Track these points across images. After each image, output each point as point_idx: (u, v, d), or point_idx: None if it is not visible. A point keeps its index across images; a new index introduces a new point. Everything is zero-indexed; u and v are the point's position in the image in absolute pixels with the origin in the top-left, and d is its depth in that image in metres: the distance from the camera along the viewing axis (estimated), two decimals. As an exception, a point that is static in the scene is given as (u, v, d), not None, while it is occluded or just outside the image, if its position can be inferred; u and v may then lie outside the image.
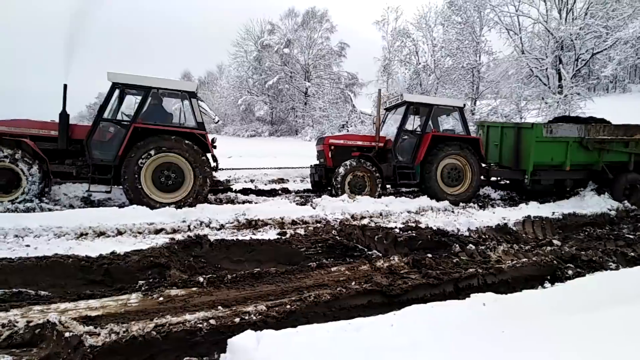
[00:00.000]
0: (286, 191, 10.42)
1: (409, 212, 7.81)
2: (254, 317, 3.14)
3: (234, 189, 10.01)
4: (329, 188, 9.71)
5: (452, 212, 8.19)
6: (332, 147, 9.62)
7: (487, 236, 6.29)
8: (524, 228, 6.94)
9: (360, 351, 2.38)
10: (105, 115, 7.65)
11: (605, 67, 23.07)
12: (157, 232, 5.80)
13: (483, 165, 10.04)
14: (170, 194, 7.59)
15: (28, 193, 7.01)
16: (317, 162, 10.39)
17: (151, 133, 7.50)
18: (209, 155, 8.02)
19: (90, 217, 5.78)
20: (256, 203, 8.24)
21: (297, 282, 4.09)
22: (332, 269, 4.47)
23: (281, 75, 38.05)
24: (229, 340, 2.46)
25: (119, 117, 7.87)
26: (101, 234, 5.48)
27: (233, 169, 13.11)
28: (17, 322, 2.98)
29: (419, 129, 9.93)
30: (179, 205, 7.30)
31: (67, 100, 7.47)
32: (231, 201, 8.69)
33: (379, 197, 8.84)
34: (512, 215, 7.63)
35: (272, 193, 10.07)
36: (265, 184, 11.76)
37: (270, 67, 38.80)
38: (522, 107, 22.97)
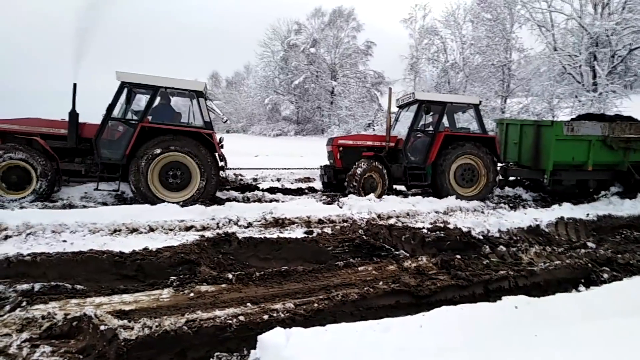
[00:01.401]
0: (312, 190, 10.45)
1: (436, 212, 7.71)
2: (282, 315, 3.17)
3: (261, 188, 10.11)
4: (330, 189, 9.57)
5: (482, 212, 8.04)
6: (341, 148, 9.50)
7: (518, 237, 6.14)
8: (556, 230, 6.75)
9: (389, 352, 2.37)
10: (115, 114, 7.75)
11: (643, 64, 22.17)
12: (188, 229, 5.91)
13: (500, 165, 9.73)
14: (177, 193, 7.68)
15: (38, 191, 7.12)
16: (327, 163, 10.26)
17: (159, 132, 7.57)
18: (217, 154, 8.04)
19: (123, 214, 5.94)
20: (283, 202, 8.29)
21: (325, 280, 4.10)
22: (359, 269, 4.46)
23: (307, 75, 38.15)
24: (259, 337, 2.49)
25: (128, 116, 7.96)
26: (134, 230, 5.63)
27: (260, 168, 13.23)
28: (55, 315, 3.09)
29: (431, 128, 9.68)
30: (185, 204, 7.26)
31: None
32: (258, 200, 8.78)
33: (379, 197, 8.59)
34: (544, 216, 7.42)
35: (298, 192, 10.11)
36: (292, 183, 11.83)
37: (296, 66, 38.96)
38: (554, 105, 22.34)
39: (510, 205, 9.08)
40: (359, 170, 8.78)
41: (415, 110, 9.57)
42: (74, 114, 7.58)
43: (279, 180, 12.04)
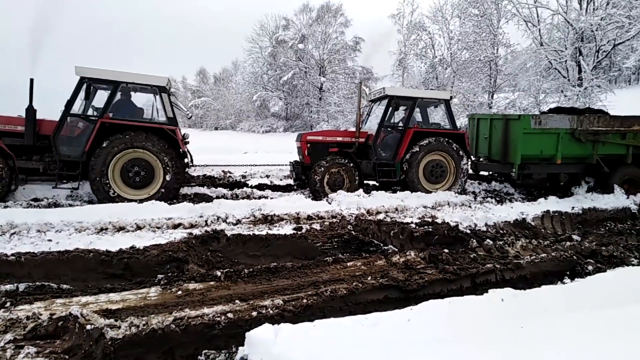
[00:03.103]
0: (302, 186, 10.43)
1: (425, 207, 7.76)
2: (271, 311, 3.17)
3: (250, 185, 10.07)
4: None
5: (469, 207, 8.10)
6: (309, 144, 9.35)
7: (505, 231, 6.22)
8: (542, 223, 6.83)
9: (378, 346, 2.37)
10: (75, 110, 7.55)
11: (627, 59, 22.49)
12: (175, 227, 5.87)
13: (470, 160, 9.76)
14: (139, 191, 7.55)
15: None
16: (298, 159, 10.10)
17: (120, 128, 7.41)
18: (181, 150, 7.89)
19: (110, 213, 5.88)
20: (272, 198, 8.27)
21: (313, 276, 4.11)
22: (348, 264, 4.48)
23: (296, 71, 38.00)
24: (247, 334, 2.48)
25: (89, 112, 7.74)
26: (121, 228, 5.57)
27: (249, 164, 13.17)
28: (40, 315, 3.06)
29: (401, 124, 9.64)
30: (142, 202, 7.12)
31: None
32: (247, 197, 8.74)
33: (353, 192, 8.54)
34: (531, 210, 7.51)
35: (287, 188, 10.08)
36: (281, 180, 11.78)
37: (285, 62, 38.76)
38: (540, 100, 22.55)
39: (497, 199, 9.17)
40: (318, 170, 8.68)
41: (385, 106, 9.52)
42: (31, 110, 7.32)
43: (267, 177, 12.00)
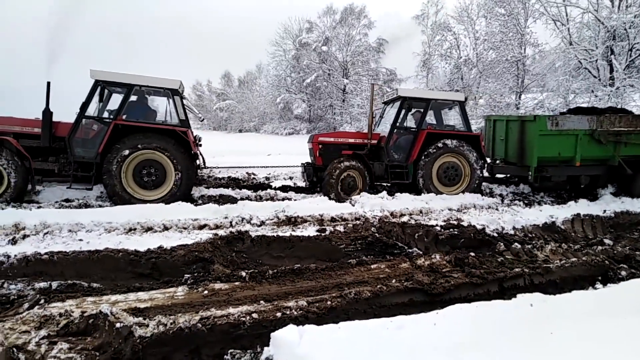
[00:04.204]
0: (313, 188, 10.40)
1: (450, 209, 7.64)
2: (295, 312, 3.18)
3: (273, 186, 10.13)
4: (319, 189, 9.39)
5: (496, 209, 7.94)
6: (321, 146, 9.30)
7: (533, 235, 6.08)
8: (573, 227, 6.65)
9: (403, 350, 2.35)
10: (91, 113, 7.71)
11: (662, 57, 21.62)
12: (201, 227, 5.96)
13: (485, 162, 9.54)
14: (152, 191, 7.64)
15: (9, 191, 7.04)
16: (309, 160, 10.00)
17: (133, 130, 7.52)
18: (193, 152, 7.98)
19: (138, 213, 6.01)
20: (295, 200, 8.30)
21: (337, 278, 4.11)
22: (372, 266, 4.46)
23: (319, 73, 38.09)
24: (272, 334, 2.50)
25: (104, 115, 7.89)
26: (149, 229, 5.69)
27: (272, 166, 13.27)
28: (72, 312, 3.15)
29: (414, 125, 9.47)
30: (163, 202, 7.24)
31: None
32: (271, 198, 8.80)
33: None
34: (560, 213, 7.32)
35: (310, 190, 10.09)
36: (304, 181, 11.81)
37: (308, 65, 38.91)
38: (570, 100, 21.95)
39: (526, 202, 8.96)
40: (333, 172, 8.60)
41: (397, 107, 9.40)
42: (47, 113, 7.50)
43: (291, 178, 12.04)
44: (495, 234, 5.84)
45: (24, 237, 5.08)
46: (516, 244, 5.30)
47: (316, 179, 9.55)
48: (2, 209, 6.66)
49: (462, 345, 2.42)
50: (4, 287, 3.59)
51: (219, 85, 59.36)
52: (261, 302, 3.43)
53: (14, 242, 4.92)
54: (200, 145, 8.73)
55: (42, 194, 7.80)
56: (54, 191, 7.82)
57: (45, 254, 4.29)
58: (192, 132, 8.14)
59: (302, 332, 2.46)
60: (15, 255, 4.19)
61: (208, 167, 11.71)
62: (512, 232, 6.10)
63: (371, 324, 2.68)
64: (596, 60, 22.07)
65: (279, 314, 3.13)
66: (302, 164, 10.35)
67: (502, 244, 5.28)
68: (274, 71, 43.65)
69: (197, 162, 8.42)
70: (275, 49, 42.12)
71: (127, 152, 7.38)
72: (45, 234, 5.22)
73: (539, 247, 5.29)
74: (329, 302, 3.36)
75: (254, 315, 3.08)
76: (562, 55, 23.65)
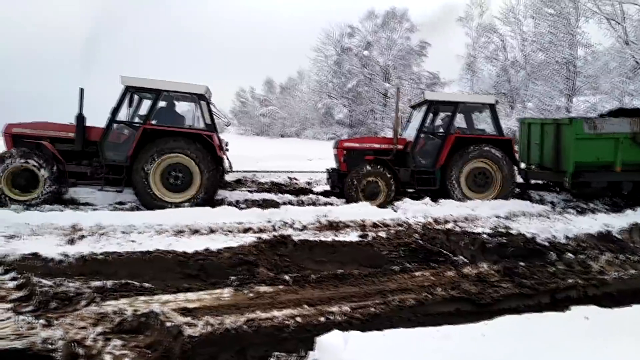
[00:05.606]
0: (340, 195, 10.32)
1: (497, 217, 7.40)
2: (339, 318, 3.18)
3: (315, 191, 10.19)
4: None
5: (547, 217, 7.62)
6: (346, 151, 9.17)
7: (587, 244, 5.79)
8: (630, 236, 6.28)
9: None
10: (121, 118, 8.00)
11: None
12: (246, 231, 6.07)
13: (519, 167, 9.16)
14: (179, 194, 7.79)
15: (44, 194, 7.37)
16: (335, 166, 9.83)
17: (161, 134, 7.71)
18: (219, 156, 8.10)
19: (186, 216, 6.22)
20: (337, 205, 8.30)
21: (380, 285, 4.07)
22: (416, 274, 4.39)
23: (360, 78, 38.03)
24: (317, 339, 2.51)
25: (134, 120, 8.17)
26: (196, 231, 5.86)
27: (313, 171, 13.33)
28: (125, 311, 3.29)
29: (442, 130, 9.19)
30: (189, 205, 7.48)
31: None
32: (313, 203, 8.85)
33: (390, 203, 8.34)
34: (617, 222, 6.92)
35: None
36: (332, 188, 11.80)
37: (349, 70, 38.95)
38: (626, 103, 20.79)
39: (578, 210, 8.54)
40: (354, 178, 8.48)
41: (424, 112, 9.17)
42: (81, 118, 7.83)
43: (332, 183, 12.05)
44: (547, 243, 5.62)
45: (81, 237, 5.35)
46: (569, 253, 5.08)
47: (341, 185, 9.38)
48: (61, 210, 7.09)
49: (512, 357, 2.34)
50: (63, 285, 3.78)
51: (261, 92, 60.45)
52: (305, 306, 3.45)
53: (71, 242, 5.19)
54: (227, 149, 8.91)
55: (96, 197, 8.23)
56: (105, 194, 8.23)
57: (101, 254, 4.52)
58: (218, 137, 8.32)
59: (347, 337, 2.45)
60: (73, 255, 4.44)
61: (251, 172, 11.95)
62: (564, 241, 5.85)
63: (416, 332, 2.64)
64: (656, 60, 20.79)
65: (322, 319, 3.14)
66: (327, 169, 10.27)
67: (553, 253, 5.08)
68: (316, 77, 43.99)
69: (224, 165, 8.61)
70: (316, 55, 42.45)
71: (155, 154, 7.60)
72: (101, 235, 5.48)
73: (594, 257, 5.04)
74: (372, 309, 3.34)
75: (298, 319, 3.11)
76: (617, 56, 22.44)
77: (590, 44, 24.75)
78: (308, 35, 69.69)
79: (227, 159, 8.82)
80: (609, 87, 22.51)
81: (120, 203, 7.90)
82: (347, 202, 8.52)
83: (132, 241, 5.29)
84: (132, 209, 7.50)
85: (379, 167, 8.67)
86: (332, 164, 9.94)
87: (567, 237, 5.98)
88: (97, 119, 8.06)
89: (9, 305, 3.32)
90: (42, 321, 2.99)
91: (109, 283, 3.87)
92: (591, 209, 8.70)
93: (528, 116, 20.68)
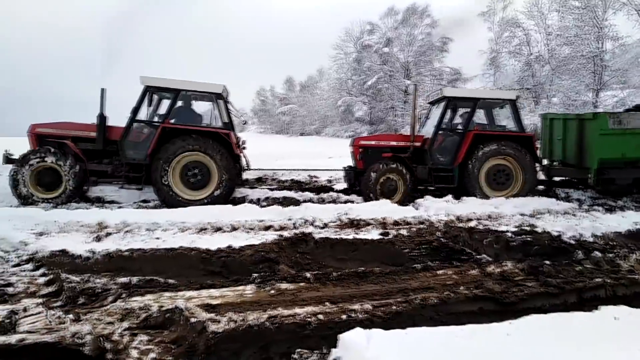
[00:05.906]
0: (357, 193, 10.27)
1: (522, 214, 7.26)
2: (361, 315, 3.17)
3: (335, 189, 10.19)
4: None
5: (574, 215, 7.43)
6: (362, 149, 9.10)
7: (615, 243, 5.63)
8: (662, 235, 6.08)
9: (474, 359, 2.28)
10: (141, 117, 8.14)
11: None
12: (267, 228, 6.11)
13: (540, 164, 8.96)
14: (197, 192, 7.92)
15: (67, 191, 7.60)
16: (351, 164, 9.78)
17: (179, 133, 7.83)
18: (236, 154, 8.21)
19: (208, 214, 6.30)
20: (357, 203, 8.29)
21: (402, 283, 4.05)
22: (438, 272, 4.34)
23: (380, 75, 37.79)
24: (340, 336, 2.51)
25: (154, 119, 8.32)
26: (218, 229, 5.93)
27: (333, 169, 13.33)
28: (151, 306, 3.35)
29: (460, 127, 9.02)
30: (207, 202, 7.60)
31: None
32: (333, 201, 8.85)
33: (408, 202, 8.22)
34: (647, 220, 6.72)
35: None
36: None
37: (369, 67, 38.75)
38: (657, 97, 20.12)
39: (606, 207, 8.31)
40: (372, 175, 8.44)
41: (442, 108, 9.01)
42: (102, 117, 8.02)
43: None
44: (573, 242, 5.48)
45: (107, 235, 5.48)
46: (596, 252, 4.95)
47: (358, 183, 9.37)
48: (87, 208, 7.28)
49: (538, 357, 2.30)
50: (90, 281, 3.88)
51: (281, 90, 60.72)
52: (326, 303, 3.45)
53: (98, 239, 5.32)
54: (245, 147, 9.00)
55: (121, 195, 8.41)
56: (130, 192, 8.41)
57: (126, 251, 4.62)
58: (235, 135, 8.42)
59: (370, 335, 2.45)
60: (100, 252, 4.55)
61: (271, 170, 12.01)
62: (591, 239, 5.70)
63: (440, 331, 2.62)
64: (689, 52, 20.03)
65: (344, 317, 3.14)
66: (343, 167, 10.22)
67: (580, 252, 4.95)
68: (335, 74, 43.98)
69: (242, 163, 8.72)
70: (336, 53, 42.40)
71: (174, 152, 7.75)
72: (126, 232, 5.60)
73: (623, 256, 4.90)
74: (394, 307, 3.32)
75: (320, 317, 3.11)
76: (648, 48, 21.70)
77: (619, 37, 24.00)
78: (330, 34, 69.75)
79: (245, 157, 8.93)
80: (639, 81, 21.79)
81: (145, 201, 8.05)
82: (364, 199, 8.51)
83: (157, 238, 5.38)
84: (155, 207, 7.64)
85: (396, 164, 8.61)
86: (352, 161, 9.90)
87: (594, 235, 5.83)
88: (118, 118, 8.29)
89: (40, 300, 3.43)
90: (71, 316, 3.08)
91: (135, 279, 3.95)
92: (620, 207, 8.46)
93: (553, 112, 20.21)
